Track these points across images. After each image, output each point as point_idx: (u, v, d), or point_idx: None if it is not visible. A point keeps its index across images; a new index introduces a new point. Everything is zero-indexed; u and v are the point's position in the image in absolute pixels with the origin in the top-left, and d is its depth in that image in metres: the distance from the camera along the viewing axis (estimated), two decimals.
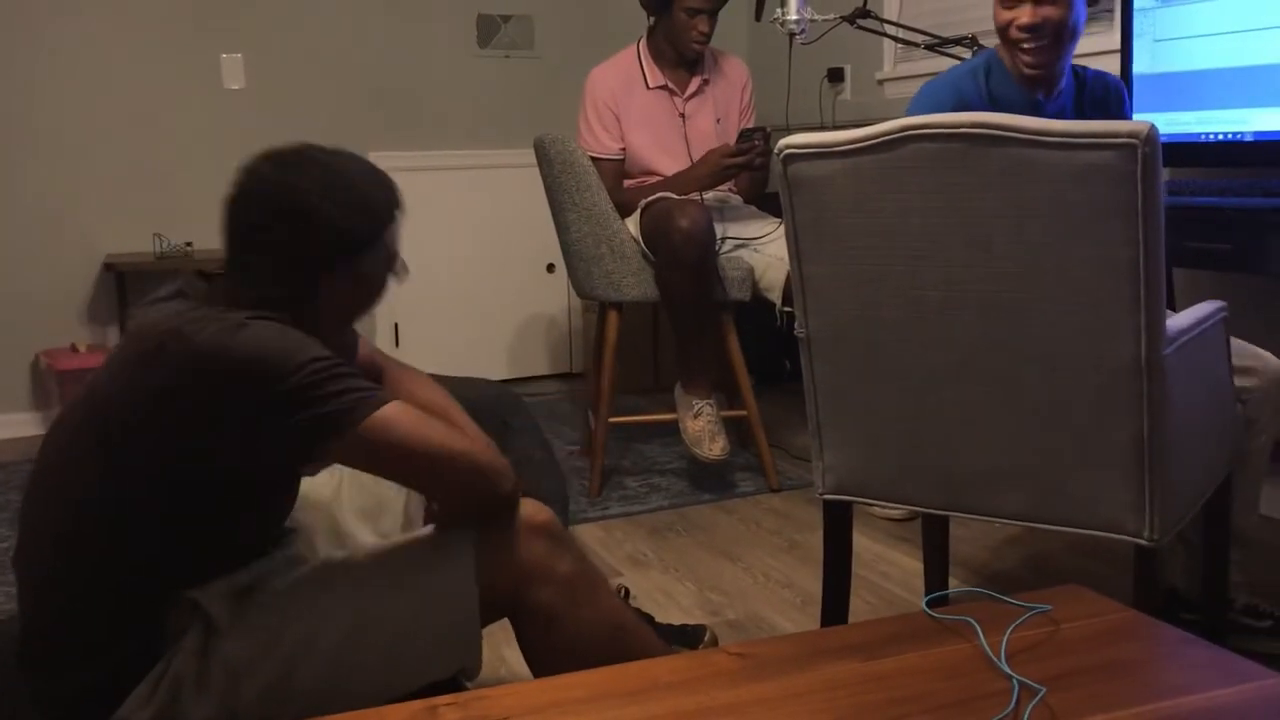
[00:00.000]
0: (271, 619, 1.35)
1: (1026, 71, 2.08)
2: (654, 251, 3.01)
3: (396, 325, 4.48)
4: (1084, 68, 2.23)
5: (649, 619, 1.93)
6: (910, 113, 1.97)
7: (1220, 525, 1.92)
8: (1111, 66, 2.68)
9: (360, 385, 1.31)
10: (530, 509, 1.43)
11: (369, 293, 1.43)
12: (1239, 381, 1.87)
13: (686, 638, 1.95)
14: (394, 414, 1.31)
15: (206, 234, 4.07)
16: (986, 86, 2.12)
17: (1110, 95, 2.24)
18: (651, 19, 3.30)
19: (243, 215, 1.37)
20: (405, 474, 1.39)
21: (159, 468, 1.29)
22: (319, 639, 1.34)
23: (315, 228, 1.35)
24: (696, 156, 3.24)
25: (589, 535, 2.81)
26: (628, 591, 2.05)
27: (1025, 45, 2.05)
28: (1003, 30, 2.08)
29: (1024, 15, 2.02)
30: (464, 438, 1.38)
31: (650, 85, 3.29)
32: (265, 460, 1.31)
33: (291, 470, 1.42)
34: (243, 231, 1.37)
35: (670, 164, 3.26)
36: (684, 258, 2.91)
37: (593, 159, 3.17)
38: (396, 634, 1.36)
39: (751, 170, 3.17)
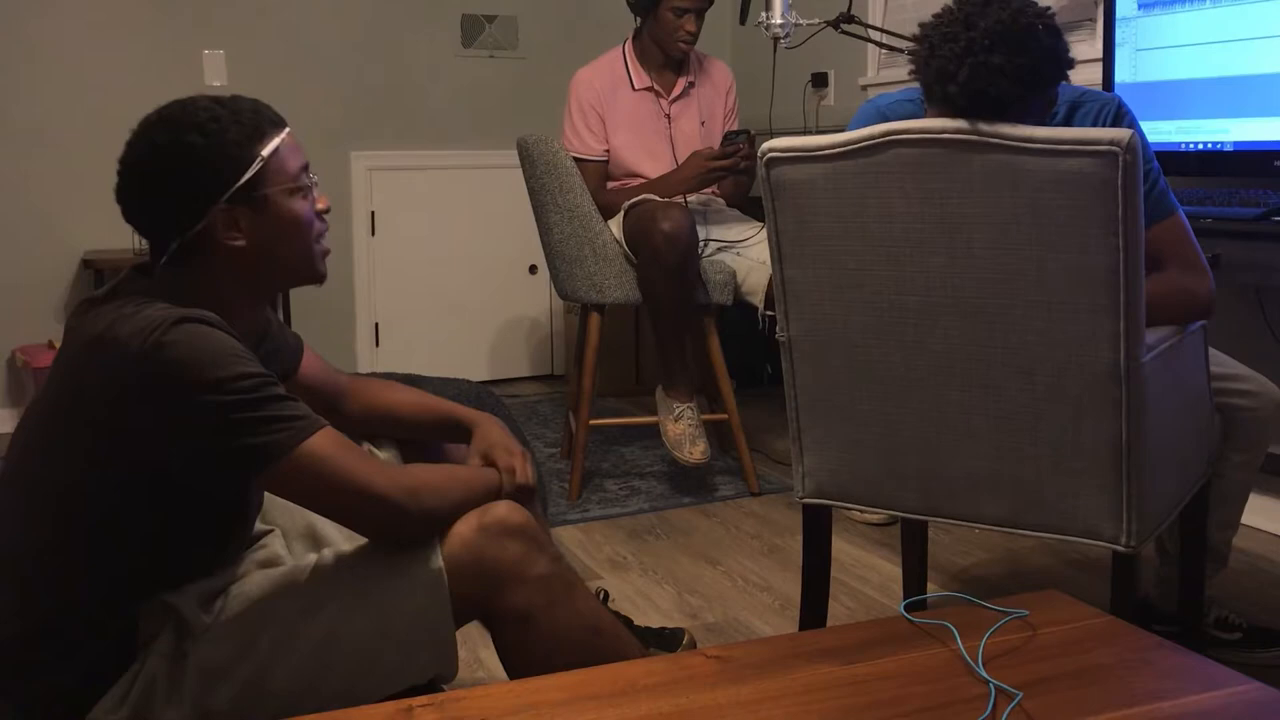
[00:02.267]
0: (246, 622, 1.34)
1: None
2: (636, 253, 3.01)
3: (377, 325, 4.46)
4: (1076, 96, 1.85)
5: (628, 622, 1.92)
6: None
7: (1196, 533, 1.93)
8: (1094, 75, 2.70)
9: (285, 415, 1.29)
10: (504, 510, 1.42)
11: (281, 226, 1.37)
12: (1236, 400, 1.87)
13: (665, 641, 1.94)
14: (317, 448, 1.29)
15: None
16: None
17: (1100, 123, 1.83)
18: (638, 20, 3.30)
19: (126, 185, 1.35)
20: (314, 506, 1.37)
21: (100, 470, 1.29)
22: (293, 642, 1.33)
23: (183, 157, 1.32)
24: (681, 158, 3.24)
25: (569, 537, 2.81)
26: (606, 594, 2.05)
27: None
28: None
29: None
30: (382, 473, 1.35)
31: (636, 87, 3.29)
32: (192, 472, 1.30)
33: (226, 488, 1.40)
34: (133, 202, 1.35)
35: (654, 166, 3.26)
36: (666, 260, 2.91)
37: (576, 160, 3.17)
38: (369, 638, 1.35)
39: (735, 174, 3.17)
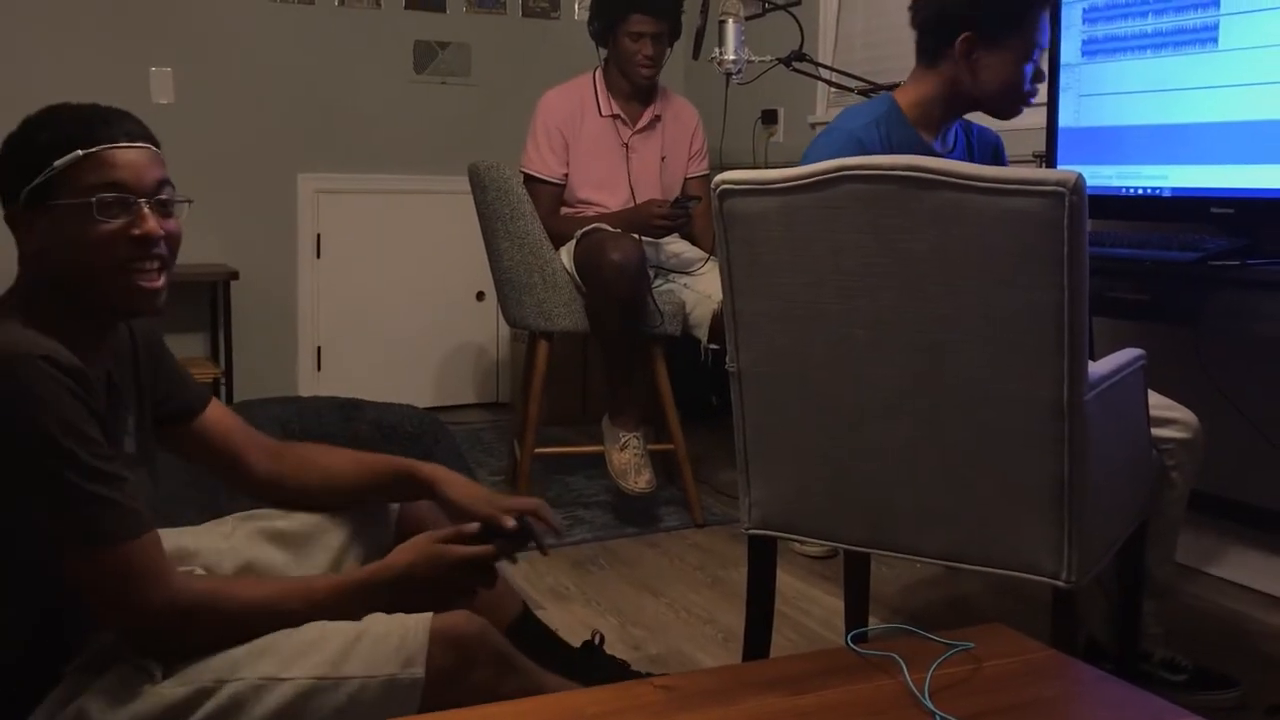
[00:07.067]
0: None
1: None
2: (585, 282, 3.01)
3: (319, 349, 4.41)
4: (969, 122, 2.29)
5: (624, 665, 1.88)
6: (806, 160, 1.98)
7: (1134, 570, 1.96)
8: (1038, 119, 2.76)
9: (108, 504, 1.20)
10: (474, 630, 1.36)
11: (64, 239, 1.30)
12: (1158, 433, 1.91)
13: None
14: (135, 555, 1.21)
15: None
16: (884, 132, 2.07)
17: (996, 146, 2.34)
18: (602, 51, 3.33)
19: None
20: (97, 610, 1.27)
21: None
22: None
23: (4, 150, 1.31)
24: (637, 190, 3.25)
25: (510, 567, 2.78)
26: (603, 637, 1.95)
27: None
28: None
29: None
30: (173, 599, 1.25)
31: (603, 113, 3.31)
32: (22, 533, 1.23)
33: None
34: None
35: (609, 196, 3.28)
36: (614, 290, 2.91)
37: (534, 181, 3.18)
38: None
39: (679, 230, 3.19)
